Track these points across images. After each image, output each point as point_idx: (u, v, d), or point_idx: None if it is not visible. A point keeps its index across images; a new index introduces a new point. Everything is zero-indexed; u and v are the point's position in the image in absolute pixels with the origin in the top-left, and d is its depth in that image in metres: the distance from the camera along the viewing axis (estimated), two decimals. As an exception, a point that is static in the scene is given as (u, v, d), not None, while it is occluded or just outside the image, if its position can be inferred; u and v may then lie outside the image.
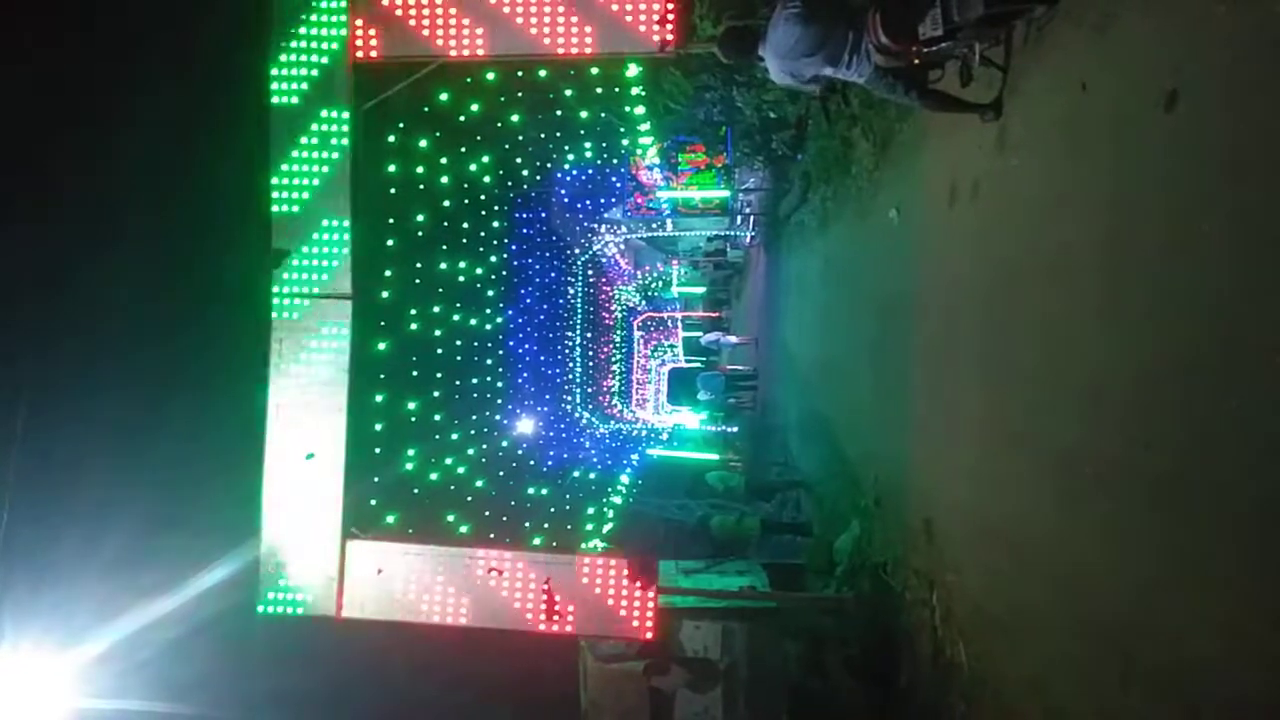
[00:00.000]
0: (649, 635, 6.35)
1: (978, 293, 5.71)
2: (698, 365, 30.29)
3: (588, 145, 11.41)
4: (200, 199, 7.89)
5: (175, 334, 7.39)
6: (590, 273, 18.77)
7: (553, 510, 9.84)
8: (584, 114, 9.58)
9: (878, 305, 8.59)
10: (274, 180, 6.74)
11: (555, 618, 6.47)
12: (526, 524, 9.00)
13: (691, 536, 10.30)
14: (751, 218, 19.24)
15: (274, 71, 6.57)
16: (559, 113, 9.61)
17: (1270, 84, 2.99)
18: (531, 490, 10.30)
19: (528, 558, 6.70)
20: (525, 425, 12.35)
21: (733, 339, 24.55)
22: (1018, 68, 4.96)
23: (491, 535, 8.21)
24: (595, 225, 18.23)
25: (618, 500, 11.35)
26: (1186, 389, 3.37)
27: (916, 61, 4.82)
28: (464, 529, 8.00)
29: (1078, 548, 4.20)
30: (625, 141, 11.28)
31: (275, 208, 6.74)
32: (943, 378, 6.43)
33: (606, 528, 9.77)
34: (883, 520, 7.50)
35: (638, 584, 6.41)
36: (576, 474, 12.20)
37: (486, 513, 8.80)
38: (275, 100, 6.62)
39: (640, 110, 9.52)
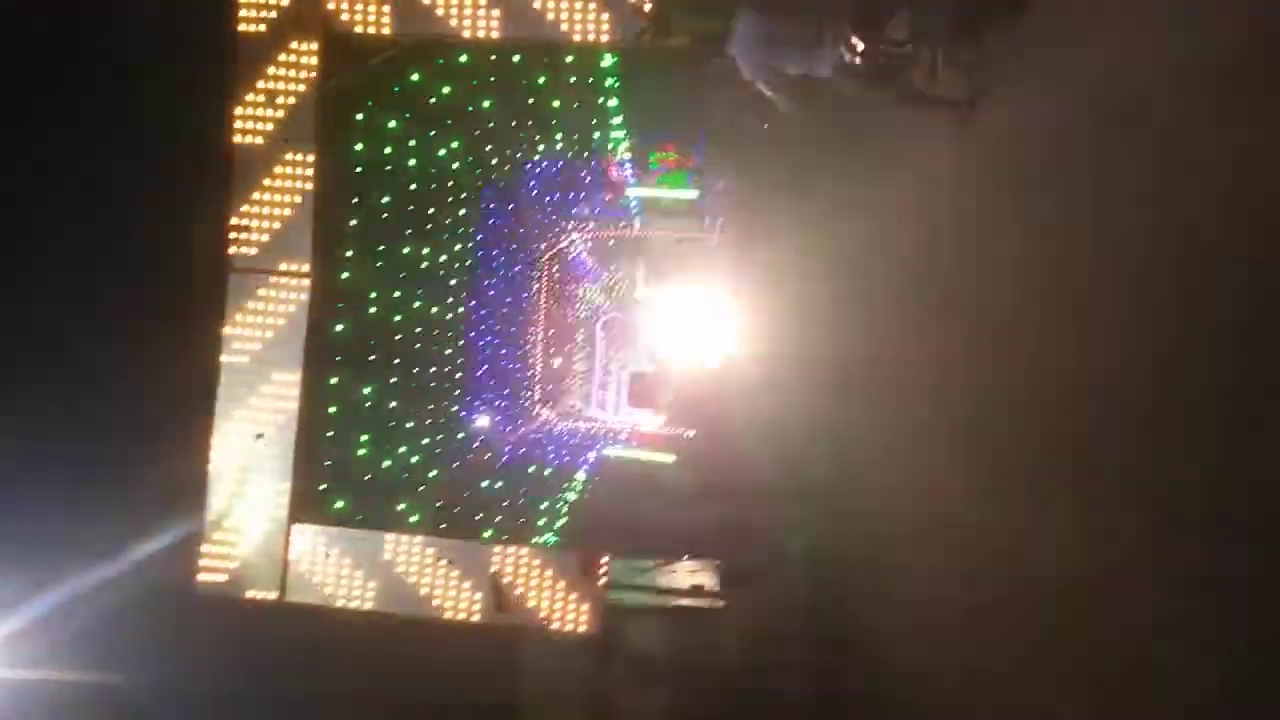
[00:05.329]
0: (595, 630, 6.30)
1: (941, 294, 5.76)
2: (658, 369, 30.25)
3: (559, 137, 11.33)
4: (148, 169, 7.69)
5: (123, 307, 7.18)
6: (556, 269, 18.65)
7: (505, 504, 9.74)
8: (556, 104, 9.51)
9: (840, 310, 8.63)
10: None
11: (501, 609, 6.40)
12: (478, 516, 8.90)
13: (643, 539, 10.25)
14: (720, 219, 19.25)
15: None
16: (531, 101, 9.53)
17: (1227, 94, 3.02)
18: (485, 483, 10.18)
19: (477, 549, 6.63)
20: (483, 418, 12.22)
21: (696, 343, 24.53)
22: (986, 73, 4.99)
23: (443, 526, 8.09)
24: (563, 221, 18.13)
25: (572, 497, 11.28)
26: (1129, 390, 3.41)
27: (885, 61, 4.85)
28: (415, 518, 7.88)
29: (1030, 550, 4.23)
30: (597, 135, 11.22)
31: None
32: (896, 378, 6.48)
33: (559, 523, 9.70)
34: (833, 523, 7.53)
35: (586, 579, 6.37)
36: (531, 469, 12.10)
37: (439, 503, 8.68)
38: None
39: (613, 102, 9.47)
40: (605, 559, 6.57)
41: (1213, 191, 3.04)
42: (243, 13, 6.56)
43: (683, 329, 23.81)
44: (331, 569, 6.50)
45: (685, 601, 7.35)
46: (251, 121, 6.49)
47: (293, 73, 6.61)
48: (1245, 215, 2.84)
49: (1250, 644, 2.62)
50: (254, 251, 6.79)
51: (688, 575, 7.88)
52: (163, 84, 7.48)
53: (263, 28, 6.57)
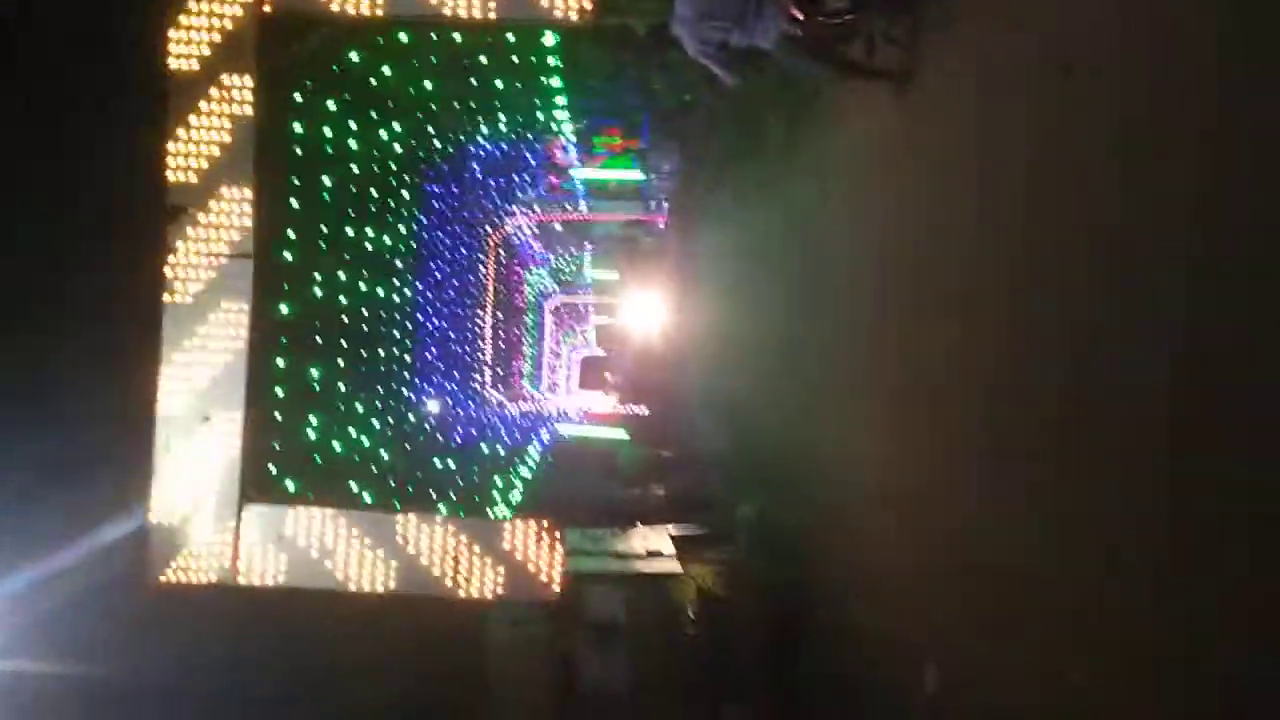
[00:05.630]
0: (555, 596, 6.38)
1: (882, 265, 5.93)
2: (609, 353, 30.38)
3: (502, 118, 11.31)
4: (85, 157, 7.51)
5: (59, 290, 7.01)
6: (502, 253, 18.59)
7: (460, 482, 9.77)
8: (499, 84, 9.50)
9: (787, 285, 8.81)
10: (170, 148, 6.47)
11: (462, 581, 6.43)
12: (433, 494, 8.91)
13: (599, 512, 10.37)
14: (665, 202, 19.40)
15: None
16: (474, 81, 9.51)
17: (1163, 61, 3.16)
18: (438, 463, 10.19)
19: (433, 521, 6.64)
20: (433, 401, 12.18)
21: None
22: (925, 42, 5.16)
23: (397, 504, 8.10)
24: (508, 205, 18.07)
25: (527, 475, 11.33)
26: (1070, 347, 3.60)
27: (824, 33, 4.99)
28: (368, 497, 7.87)
29: (970, 505, 4.43)
30: (541, 116, 11.23)
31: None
32: (847, 348, 6.66)
33: (514, 498, 9.76)
34: (786, 488, 7.72)
35: (544, 545, 6.43)
36: (485, 449, 12.12)
37: (392, 483, 8.68)
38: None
39: (556, 82, 9.50)
40: (562, 528, 6.65)
41: (1151, 154, 3.19)
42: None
43: (631, 311, 23.93)
44: (287, 549, 6.46)
45: (642, 567, 7.48)
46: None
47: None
48: (1184, 177, 2.98)
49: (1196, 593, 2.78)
50: (193, 231, 6.68)
51: (643, 541, 8.03)
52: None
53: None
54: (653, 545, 7.94)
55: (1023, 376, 3.99)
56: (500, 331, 18.44)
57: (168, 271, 6.65)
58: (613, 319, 28.90)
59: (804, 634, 6.76)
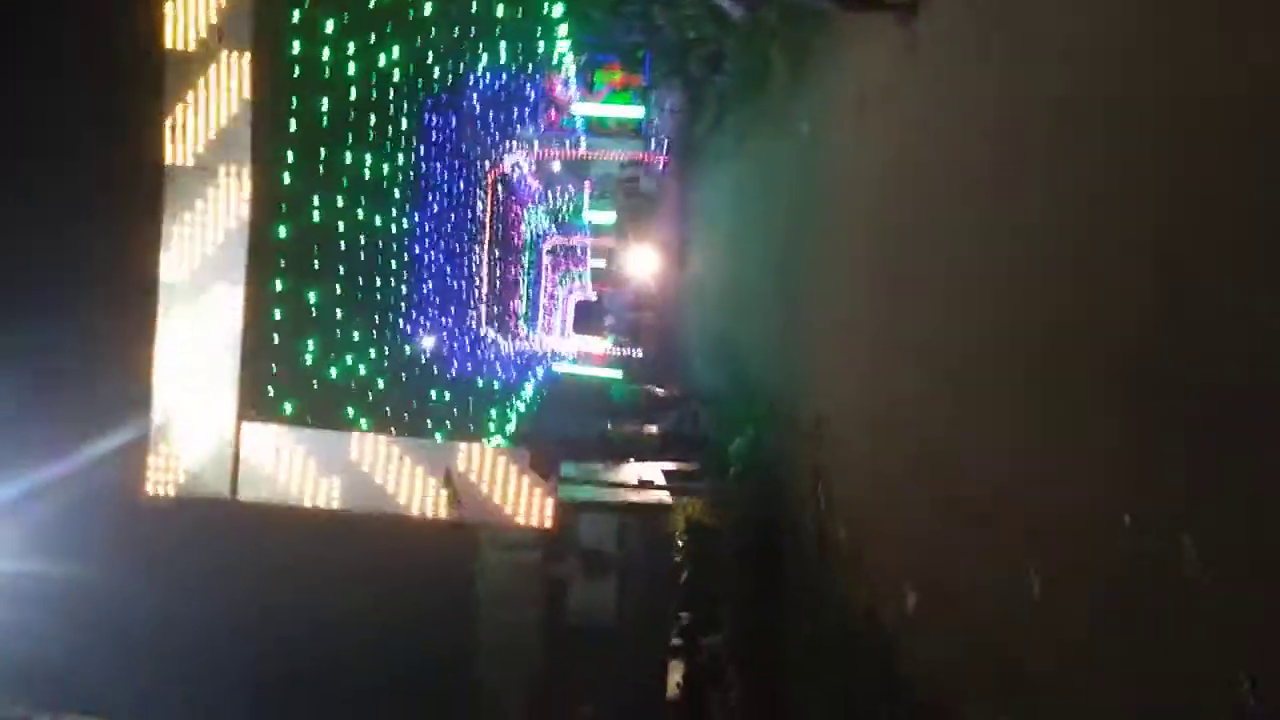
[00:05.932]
0: (548, 524, 6.48)
1: (879, 199, 5.92)
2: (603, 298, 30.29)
3: (503, 46, 11.12)
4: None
5: (58, 211, 6.97)
6: (500, 189, 18.40)
7: (455, 412, 9.83)
8: (500, 9, 9.33)
9: (786, 223, 8.78)
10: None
11: (457, 506, 6.52)
12: (428, 422, 8.98)
13: (593, 448, 10.46)
14: (666, 142, 19.18)
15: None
16: (474, 5, 9.33)
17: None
18: (434, 394, 10.25)
19: (431, 447, 6.72)
20: (429, 333, 12.19)
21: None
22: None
23: (393, 430, 8.16)
24: (508, 141, 17.84)
25: (522, 408, 11.40)
26: (1057, 282, 3.62)
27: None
28: (364, 423, 7.93)
29: (946, 431, 4.50)
30: (541, 45, 11.04)
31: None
32: (843, 285, 6.68)
33: (509, 428, 9.83)
34: (776, 423, 7.80)
35: (539, 474, 6.51)
36: (480, 383, 12.18)
37: (387, 410, 8.73)
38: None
39: (558, 10, 9.34)
40: (557, 459, 6.73)
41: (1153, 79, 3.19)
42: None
43: (629, 253, 23.81)
44: (284, 466, 6.54)
45: (633, 497, 7.59)
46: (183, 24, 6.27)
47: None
48: (1187, 88, 2.99)
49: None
50: (191, 154, 6.63)
51: (636, 474, 8.13)
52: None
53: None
54: (645, 478, 8.04)
55: (1036, 316, 4.01)
56: (497, 269, 18.35)
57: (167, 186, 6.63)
58: (610, 261, 28.76)
59: (785, 562, 6.89)
